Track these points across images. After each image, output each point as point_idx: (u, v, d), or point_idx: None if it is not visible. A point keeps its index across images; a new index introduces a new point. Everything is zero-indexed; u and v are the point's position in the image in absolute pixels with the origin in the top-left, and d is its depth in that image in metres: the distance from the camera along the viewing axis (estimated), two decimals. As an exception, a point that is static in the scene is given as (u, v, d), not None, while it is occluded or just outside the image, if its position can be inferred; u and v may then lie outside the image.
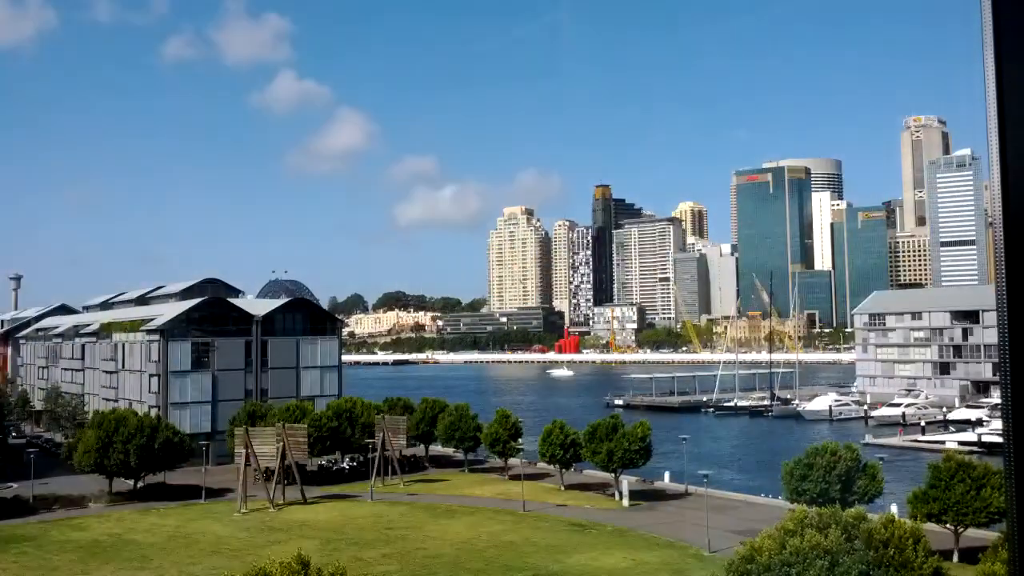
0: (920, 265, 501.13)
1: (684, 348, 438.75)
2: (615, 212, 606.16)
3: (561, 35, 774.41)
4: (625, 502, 67.58)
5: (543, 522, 60.89)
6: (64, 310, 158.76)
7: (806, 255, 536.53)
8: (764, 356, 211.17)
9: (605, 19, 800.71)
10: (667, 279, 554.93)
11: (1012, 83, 3.17)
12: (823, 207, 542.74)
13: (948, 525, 49.60)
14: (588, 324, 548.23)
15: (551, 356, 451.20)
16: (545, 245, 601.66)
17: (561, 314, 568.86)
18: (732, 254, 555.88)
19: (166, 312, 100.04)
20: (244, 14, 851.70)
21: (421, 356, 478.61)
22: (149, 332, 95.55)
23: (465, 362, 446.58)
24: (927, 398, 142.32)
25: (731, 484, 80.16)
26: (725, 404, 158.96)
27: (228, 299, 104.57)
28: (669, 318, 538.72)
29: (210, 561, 51.43)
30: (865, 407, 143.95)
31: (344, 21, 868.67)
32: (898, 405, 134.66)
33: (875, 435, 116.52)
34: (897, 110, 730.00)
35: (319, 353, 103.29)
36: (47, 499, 68.51)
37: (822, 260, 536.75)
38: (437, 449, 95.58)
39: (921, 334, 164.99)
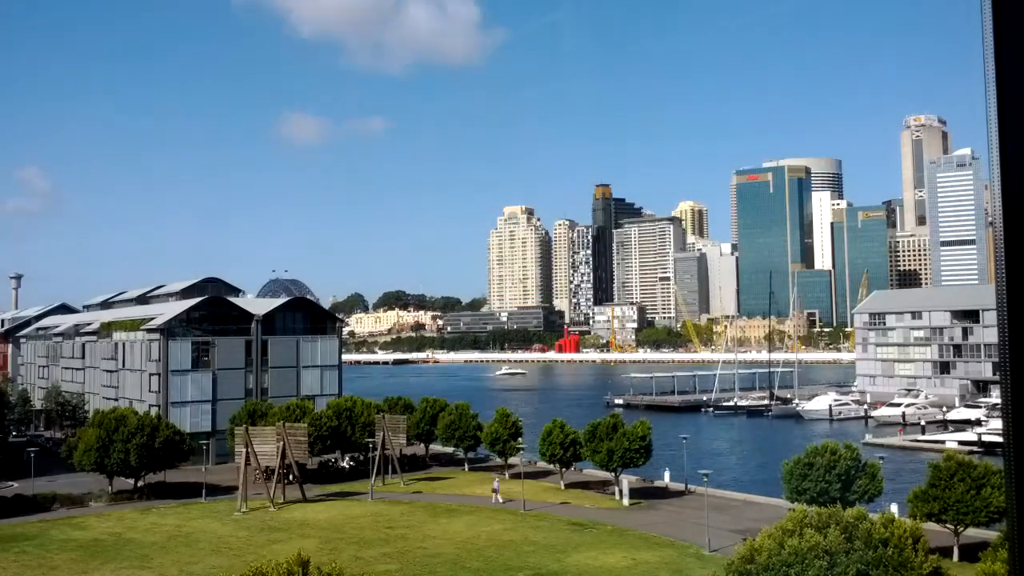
0: (920, 265, 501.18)
1: (683, 348, 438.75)
2: (615, 212, 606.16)
3: (561, 35, 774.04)
4: (625, 501, 67.61)
5: (543, 521, 60.90)
6: (64, 309, 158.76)
7: (806, 255, 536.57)
8: (764, 356, 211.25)
9: (605, 19, 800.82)
10: (667, 278, 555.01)
11: (1012, 83, 3.18)
12: (823, 207, 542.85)
13: (948, 524, 49.62)
14: (588, 323, 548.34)
15: (551, 355, 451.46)
16: (545, 245, 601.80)
17: (561, 313, 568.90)
18: (732, 254, 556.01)
19: (166, 311, 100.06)
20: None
21: (421, 355, 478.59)
22: (149, 331, 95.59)
23: (465, 361, 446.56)
24: (927, 398, 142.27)
25: (731, 483, 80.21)
26: (725, 404, 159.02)
27: (228, 298, 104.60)
28: (669, 317, 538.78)
29: (210, 560, 51.47)
30: (865, 407, 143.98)
31: (334, 25, 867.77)
32: (898, 405, 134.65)
33: (875, 435, 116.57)
34: (897, 110, 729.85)
35: (319, 352, 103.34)
36: (47, 498, 68.54)
37: (822, 260, 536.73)
38: (436, 448, 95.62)
39: (921, 333, 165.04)
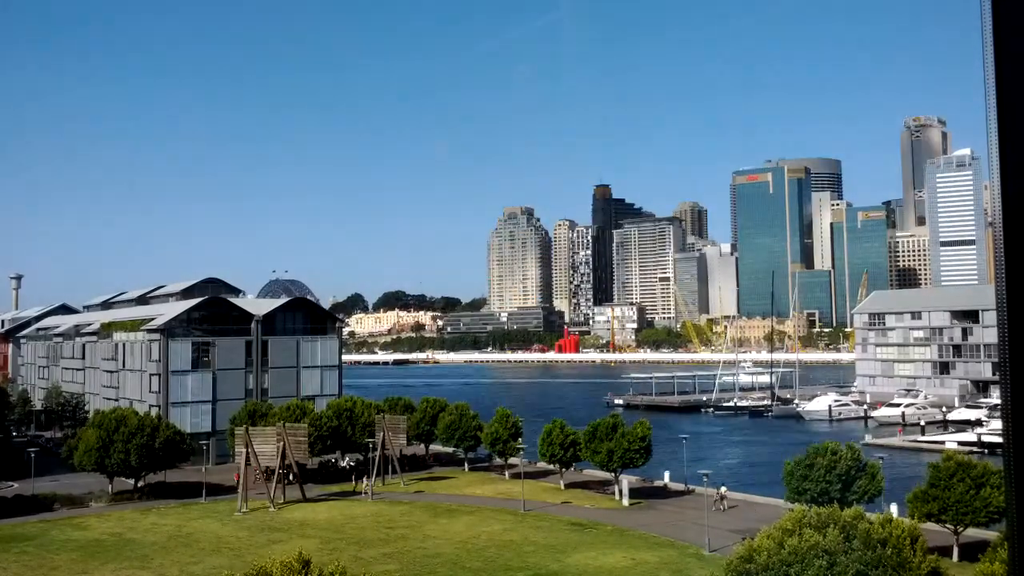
0: (920, 265, 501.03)
1: (683, 348, 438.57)
2: (615, 212, 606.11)
3: (561, 35, 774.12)
4: (625, 501, 67.58)
5: (543, 521, 60.89)
6: (65, 310, 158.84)
7: (806, 255, 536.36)
8: (764, 356, 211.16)
9: (605, 19, 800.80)
10: (667, 279, 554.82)
11: (1012, 83, 3.18)
12: (823, 207, 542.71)
13: (948, 524, 49.61)
14: (588, 324, 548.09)
15: (551, 356, 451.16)
16: (545, 245, 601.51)
17: (561, 314, 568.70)
18: (732, 254, 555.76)
19: (167, 312, 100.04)
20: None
21: (421, 356, 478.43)
22: (150, 332, 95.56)
23: (465, 361, 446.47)
24: (927, 398, 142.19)
25: (731, 484, 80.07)
26: (725, 404, 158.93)
27: (228, 299, 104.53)
28: (669, 318, 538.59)
29: (211, 560, 51.45)
30: (865, 407, 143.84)
31: (342, 29, 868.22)
32: (898, 405, 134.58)
33: (875, 435, 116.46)
34: (897, 110, 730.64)
35: (319, 352, 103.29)
36: (48, 498, 68.55)
37: (822, 260, 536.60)
38: (436, 447, 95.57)
39: (921, 334, 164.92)
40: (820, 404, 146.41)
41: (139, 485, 73.16)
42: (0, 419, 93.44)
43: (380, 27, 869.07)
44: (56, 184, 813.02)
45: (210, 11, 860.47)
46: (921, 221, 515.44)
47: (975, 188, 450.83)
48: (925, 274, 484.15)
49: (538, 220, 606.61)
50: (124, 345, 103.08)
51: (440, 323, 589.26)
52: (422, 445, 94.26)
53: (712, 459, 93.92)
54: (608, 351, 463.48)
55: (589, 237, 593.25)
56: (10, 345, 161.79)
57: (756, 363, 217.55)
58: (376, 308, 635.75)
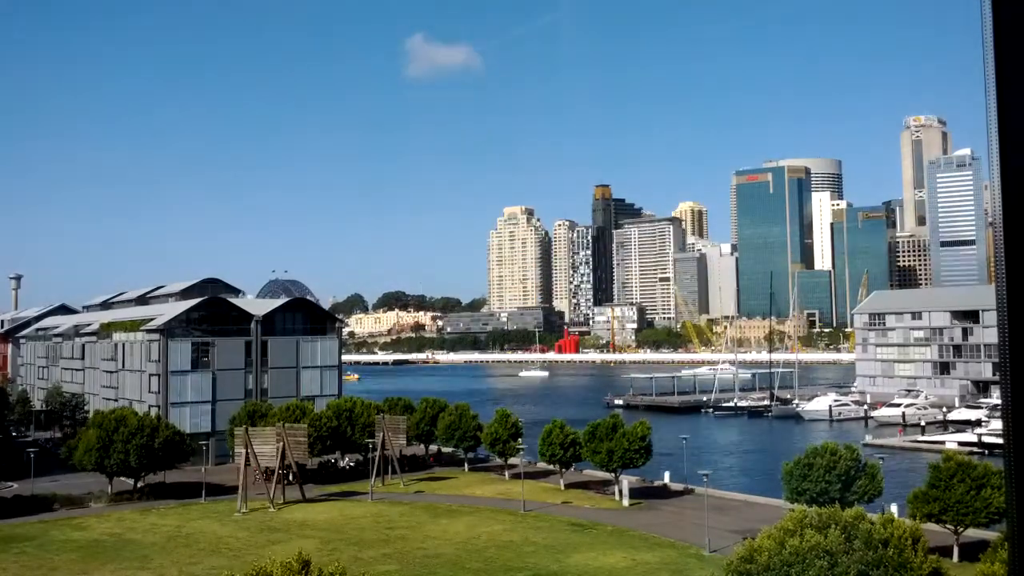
0: (920, 265, 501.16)
1: (683, 348, 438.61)
2: (615, 212, 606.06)
3: (561, 35, 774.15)
4: (625, 502, 67.59)
5: (543, 522, 60.89)
6: (64, 310, 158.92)
7: (806, 255, 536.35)
8: (764, 356, 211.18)
9: (605, 18, 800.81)
10: (667, 279, 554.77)
11: (1012, 83, 3.18)
12: (823, 207, 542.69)
13: (948, 525, 49.63)
14: (588, 324, 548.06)
15: (551, 356, 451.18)
16: (545, 245, 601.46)
17: (561, 314, 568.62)
18: (732, 254, 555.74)
19: (166, 312, 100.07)
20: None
21: (421, 356, 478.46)
22: (149, 332, 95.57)
23: (465, 362, 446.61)
24: (927, 398, 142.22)
25: (731, 484, 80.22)
26: (725, 404, 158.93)
27: (228, 299, 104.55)
28: (669, 318, 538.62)
29: (210, 561, 51.45)
30: (865, 407, 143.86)
31: (341, 28, 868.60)
32: (898, 405, 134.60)
33: (875, 435, 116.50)
34: (897, 110, 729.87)
35: (319, 353, 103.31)
36: (47, 499, 68.53)
37: (822, 260, 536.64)
38: (435, 448, 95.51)
39: (921, 334, 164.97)
40: (820, 404, 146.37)
41: (139, 485, 73.16)
42: (0, 419, 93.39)
43: (380, 26, 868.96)
44: (56, 184, 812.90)
45: (209, 8, 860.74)
46: (921, 221, 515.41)
47: (975, 188, 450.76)
48: (925, 274, 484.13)
49: (538, 220, 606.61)
50: (124, 345, 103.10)
51: (440, 323, 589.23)
52: (422, 445, 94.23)
53: (712, 459, 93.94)
54: (608, 351, 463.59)
55: (589, 237, 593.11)
56: (10, 345, 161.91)
57: (753, 363, 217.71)
58: (376, 308, 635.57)
